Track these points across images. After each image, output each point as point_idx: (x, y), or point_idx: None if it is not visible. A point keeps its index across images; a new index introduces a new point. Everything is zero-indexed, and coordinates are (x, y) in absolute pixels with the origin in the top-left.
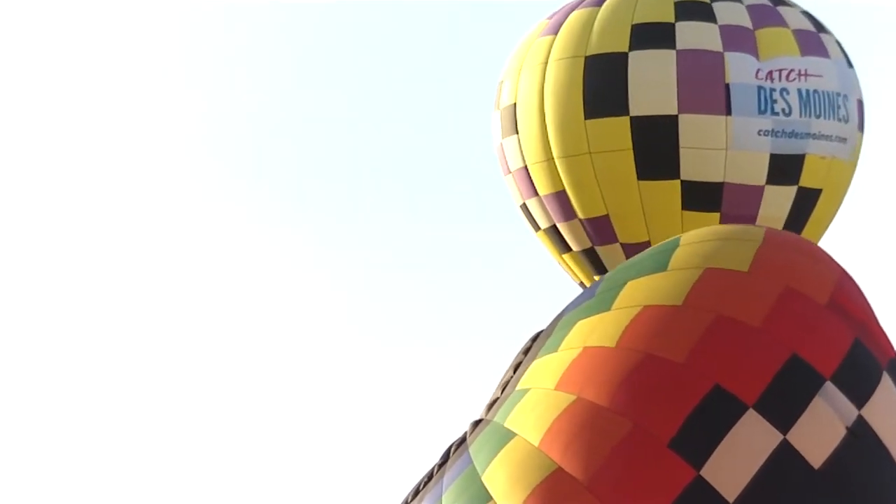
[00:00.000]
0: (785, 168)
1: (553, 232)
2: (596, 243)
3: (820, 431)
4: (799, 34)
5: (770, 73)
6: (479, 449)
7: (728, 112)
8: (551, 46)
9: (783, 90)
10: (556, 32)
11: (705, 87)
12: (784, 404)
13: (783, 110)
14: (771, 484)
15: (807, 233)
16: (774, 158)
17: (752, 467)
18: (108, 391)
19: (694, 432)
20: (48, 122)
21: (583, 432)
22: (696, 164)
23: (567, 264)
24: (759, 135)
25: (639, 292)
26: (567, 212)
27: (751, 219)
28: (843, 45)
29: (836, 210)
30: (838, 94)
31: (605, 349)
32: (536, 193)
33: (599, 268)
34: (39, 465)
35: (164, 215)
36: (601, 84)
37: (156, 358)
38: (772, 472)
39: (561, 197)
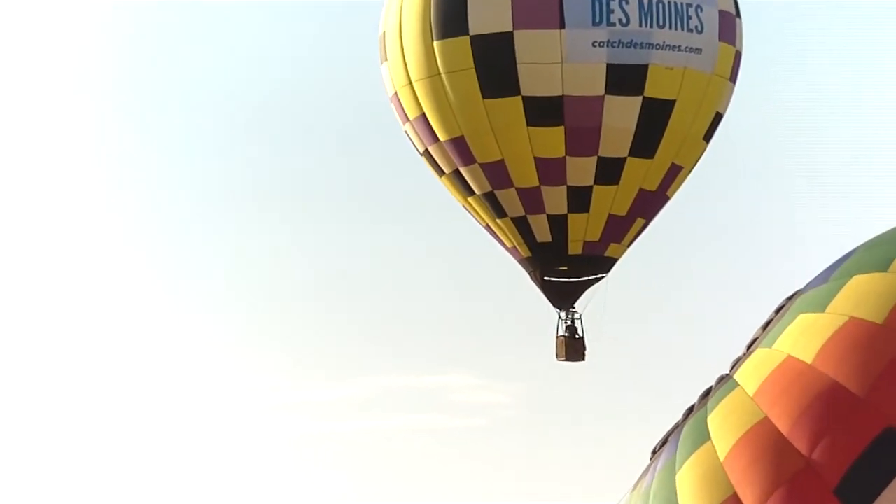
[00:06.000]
0: (624, 78)
1: (428, 156)
2: (459, 165)
3: None
4: None
5: None
6: (686, 438)
7: (561, 25)
8: None
9: (622, 0)
10: None
11: (538, 2)
12: None
13: (620, 20)
14: None
15: (668, 142)
16: (612, 69)
17: None
18: None
19: (859, 479)
20: None
21: (759, 461)
22: (534, 79)
23: (447, 186)
24: (594, 46)
25: (854, 296)
26: (432, 135)
27: (595, 130)
28: None
29: (707, 123)
30: (689, 5)
31: (802, 364)
32: (409, 119)
33: (468, 190)
34: None
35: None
36: (445, 6)
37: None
38: None
39: (424, 120)
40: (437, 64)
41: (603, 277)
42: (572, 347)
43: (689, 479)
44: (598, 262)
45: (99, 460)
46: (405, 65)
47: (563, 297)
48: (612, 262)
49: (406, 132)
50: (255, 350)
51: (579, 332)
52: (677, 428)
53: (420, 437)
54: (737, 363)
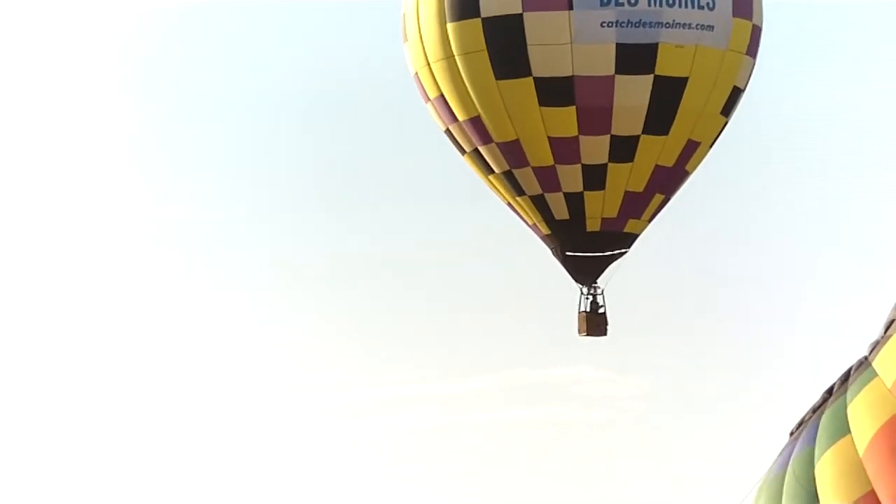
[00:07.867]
0: (634, 58)
1: (450, 135)
2: (478, 144)
3: None
4: None
5: None
6: (825, 426)
7: (570, 7)
8: None
9: None
10: None
11: None
12: None
13: (629, 0)
14: None
15: (682, 119)
16: (622, 48)
17: None
18: None
19: None
20: None
21: (895, 456)
22: (545, 60)
23: (469, 164)
24: (603, 26)
25: None
26: (451, 115)
27: (607, 109)
28: None
29: (724, 98)
30: None
31: None
32: (429, 98)
33: (489, 168)
34: None
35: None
36: None
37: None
38: None
39: (443, 101)
40: (451, 46)
41: (625, 253)
42: (594, 322)
43: (829, 472)
44: (618, 238)
45: (207, 453)
46: (423, 46)
47: (585, 273)
48: (632, 237)
49: (428, 111)
50: (383, 346)
51: (601, 307)
52: (815, 411)
53: (546, 428)
54: (875, 346)
